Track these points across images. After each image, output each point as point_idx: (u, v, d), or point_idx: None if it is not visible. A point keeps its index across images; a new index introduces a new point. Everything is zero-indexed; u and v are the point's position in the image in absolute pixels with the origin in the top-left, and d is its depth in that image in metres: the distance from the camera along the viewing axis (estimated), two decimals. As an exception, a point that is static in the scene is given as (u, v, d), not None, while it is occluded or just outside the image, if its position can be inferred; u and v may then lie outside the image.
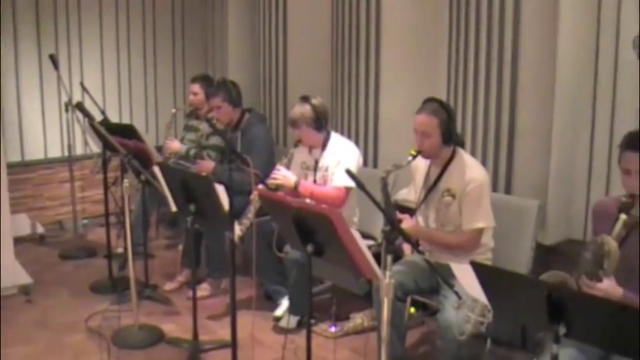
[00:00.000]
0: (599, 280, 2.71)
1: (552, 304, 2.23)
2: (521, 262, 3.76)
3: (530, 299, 2.31)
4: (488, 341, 3.59)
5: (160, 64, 7.00)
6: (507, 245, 3.78)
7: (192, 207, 3.73)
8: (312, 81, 5.66)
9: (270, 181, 4.32)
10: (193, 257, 4.44)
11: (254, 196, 4.24)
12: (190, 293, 4.03)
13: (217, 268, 5.01)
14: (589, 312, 2.22)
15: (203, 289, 4.99)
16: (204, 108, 5.50)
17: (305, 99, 4.35)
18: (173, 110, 5.94)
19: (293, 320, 4.40)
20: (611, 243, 2.65)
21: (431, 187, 3.72)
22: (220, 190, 3.54)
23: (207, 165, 5.06)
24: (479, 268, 2.42)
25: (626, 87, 3.64)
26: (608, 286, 2.70)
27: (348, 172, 2.83)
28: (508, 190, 4.17)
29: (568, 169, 4.03)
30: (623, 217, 2.70)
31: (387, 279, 2.68)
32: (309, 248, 2.96)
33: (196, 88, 5.62)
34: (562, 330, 2.25)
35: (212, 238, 4.91)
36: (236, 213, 4.05)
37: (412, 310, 4.08)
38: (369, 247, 2.98)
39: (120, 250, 5.60)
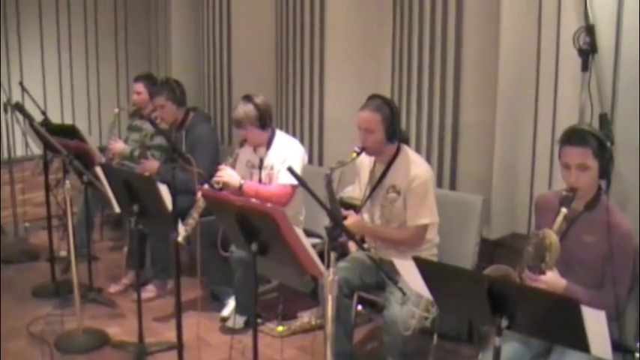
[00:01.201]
0: (542, 272, 2.75)
1: (494, 297, 2.25)
2: (466, 257, 3.80)
3: (472, 293, 2.33)
4: (435, 336, 3.63)
5: (103, 63, 6.91)
6: (452, 240, 3.81)
7: (135, 207, 3.69)
8: (257, 79, 5.65)
9: (215, 179, 4.28)
10: (137, 259, 4.38)
11: (199, 196, 4.21)
12: (135, 295, 3.98)
13: (162, 269, 4.96)
14: (530, 304, 2.25)
15: (148, 291, 4.93)
16: (147, 107, 5.44)
17: (248, 98, 4.33)
18: (116, 110, 5.86)
19: (240, 320, 4.38)
20: (552, 236, 2.69)
21: (376, 183, 3.74)
22: (163, 189, 3.50)
23: (152, 165, 4.99)
24: (421, 264, 2.44)
25: (568, 82, 3.71)
26: (551, 278, 2.75)
27: (290, 169, 2.83)
28: (453, 186, 4.22)
29: (511, 163, 4.10)
30: (563, 210, 2.74)
31: (330, 276, 2.68)
32: (254, 247, 2.94)
33: (140, 87, 5.56)
34: (504, 323, 2.28)
35: (156, 239, 4.86)
36: (181, 213, 4.01)
37: (359, 308, 4.12)
38: (314, 246, 2.98)
39: (63, 253, 5.49)
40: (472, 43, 4.06)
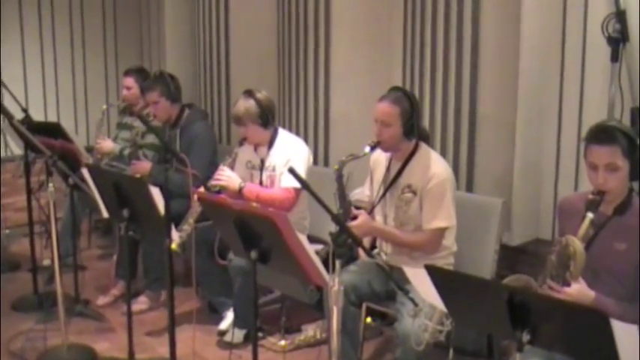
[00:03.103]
0: (567, 283, 2.73)
1: (514, 309, 2.24)
2: (484, 266, 3.78)
3: (490, 304, 2.32)
4: (451, 351, 3.62)
5: (90, 55, 6.92)
6: (469, 247, 3.79)
7: (125, 212, 3.68)
8: (257, 73, 5.65)
9: (212, 183, 4.28)
10: (128, 268, 4.38)
11: (194, 199, 4.21)
12: (126, 307, 3.97)
13: (156, 279, 4.95)
14: (554, 317, 2.23)
15: (140, 303, 4.93)
16: (139, 104, 5.45)
17: (249, 93, 4.32)
18: (105, 107, 5.85)
19: (239, 334, 4.37)
20: (576, 244, 2.67)
21: (390, 182, 3.73)
22: (156, 192, 3.50)
23: (144, 166, 4.99)
24: (433, 272, 2.43)
25: (596, 73, 3.70)
26: (577, 290, 2.72)
27: (292, 170, 2.82)
28: (470, 188, 4.20)
29: (534, 162, 4.09)
30: (589, 216, 2.72)
31: (335, 285, 2.67)
32: (253, 255, 2.95)
33: (130, 81, 5.56)
34: (526, 337, 2.26)
35: (149, 246, 4.86)
36: (176, 218, 4.02)
37: (369, 320, 4.10)
38: (318, 252, 2.97)
39: (46, 262, 5.49)
40: (490, 32, 4.04)
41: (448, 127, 4.24)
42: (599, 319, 2.09)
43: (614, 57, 3.46)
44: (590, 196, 2.79)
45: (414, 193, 3.63)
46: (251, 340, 3.26)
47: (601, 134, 2.81)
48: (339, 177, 3.57)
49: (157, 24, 6.76)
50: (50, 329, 4.41)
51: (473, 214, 3.86)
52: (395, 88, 3.71)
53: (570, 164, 3.92)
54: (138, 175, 4.60)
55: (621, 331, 2.07)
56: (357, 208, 3.83)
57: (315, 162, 4.94)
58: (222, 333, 4.49)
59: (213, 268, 4.41)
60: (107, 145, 5.45)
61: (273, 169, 4.34)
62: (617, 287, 2.84)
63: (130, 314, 3.89)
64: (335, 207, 3.52)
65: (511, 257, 4.02)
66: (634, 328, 2.06)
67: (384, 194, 3.76)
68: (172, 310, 3.58)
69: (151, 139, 5.26)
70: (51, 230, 4.22)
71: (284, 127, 4.94)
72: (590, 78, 3.76)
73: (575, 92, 3.86)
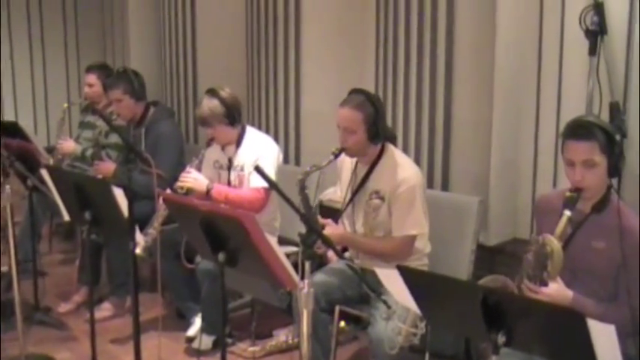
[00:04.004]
0: (544, 283, 2.75)
1: (489, 310, 2.25)
2: (461, 266, 3.80)
3: (464, 306, 2.33)
4: (427, 355, 3.63)
5: (50, 51, 6.86)
6: (445, 248, 3.81)
7: (88, 215, 3.65)
8: (225, 70, 5.65)
9: (179, 184, 4.27)
10: (91, 273, 4.36)
11: (160, 201, 4.19)
12: (88, 315, 3.94)
13: (120, 285, 4.93)
14: (529, 318, 2.25)
15: (104, 310, 4.91)
16: (102, 102, 5.43)
17: (212, 92, 4.31)
18: (66, 105, 5.82)
19: (207, 340, 4.37)
20: (553, 243, 2.69)
21: (357, 187, 3.73)
22: (119, 194, 3.48)
23: (107, 167, 4.98)
24: (406, 273, 2.44)
25: (574, 68, 3.71)
26: (555, 290, 2.75)
27: (258, 169, 2.82)
28: (445, 187, 4.23)
29: (511, 160, 4.11)
30: (567, 213, 2.74)
31: (305, 288, 2.68)
32: (221, 257, 2.94)
33: (92, 79, 5.53)
34: (501, 339, 2.27)
35: (113, 250, 4.84)
36: (142, 221, 4.00)
37: (342, 324, 4.11)
38: (289, 255, 2.97)
39: (4, 268, 5.43)
40: (465, 28, 4.07)
41: (423, 126, 4.25)
42: (576, 320, 2.11)
43: (592, 50, 3.46)
44: (568, 194, 2.81)
45: (382, 199, 3.63)
46: (220, 346, 3.26)
47: (578, 130, 2.82)
48: (302, 189, 3.57)
49: (121, 18, 6.73)
50: (7, 339, 4.36)
51: (449, 213, 3.88)
52: (356, 91, 3.68)
53: (548, 161, 3.94)
54: (100, 176, 4.57)
55: (598, 331, 2.09)
56: (331, 208, 3.84)
57: (286, 161, 4.95)
58: (190, 339, 4.49)
59: (180, 272, 4.40)
60: (69, 145, 5.42)
61: (242, 169, 4.33)
62: (597, 287, 2.87)
63: (92, 322, 3.84)
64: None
65: (488, 257, 4.04)
66: (611, 328, 2.08)
67: (351, 199, 3.76)
68: (137, 317, 3.56)
69: (114, 138, 5.23)
70: (8, 235, 4.18)
71: (253, 125, 4.95)
72: (568, 73, 3.77)
73: (553, 88, 3.88)
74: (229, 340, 4.41)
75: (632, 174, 3.41)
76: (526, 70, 4.01)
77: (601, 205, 2.89)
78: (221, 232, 2.92)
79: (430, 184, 4.20)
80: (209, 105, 4.27)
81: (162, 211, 4.17)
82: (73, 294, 5.11)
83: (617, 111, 3.47)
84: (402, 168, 3.62)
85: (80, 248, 5.13)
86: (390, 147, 3.73)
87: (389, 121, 4.28)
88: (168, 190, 4.16)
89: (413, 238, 3.60)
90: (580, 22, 3.49)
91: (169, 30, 6.10)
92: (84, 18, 7.02)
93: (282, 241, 4.13)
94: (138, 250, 3.85)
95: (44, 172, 3.93)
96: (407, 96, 4.30)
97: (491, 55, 3.98)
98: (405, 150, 4.21)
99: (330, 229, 3.62)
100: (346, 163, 3.83)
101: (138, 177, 4.18)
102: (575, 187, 2.81)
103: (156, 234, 4.17)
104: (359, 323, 4.27)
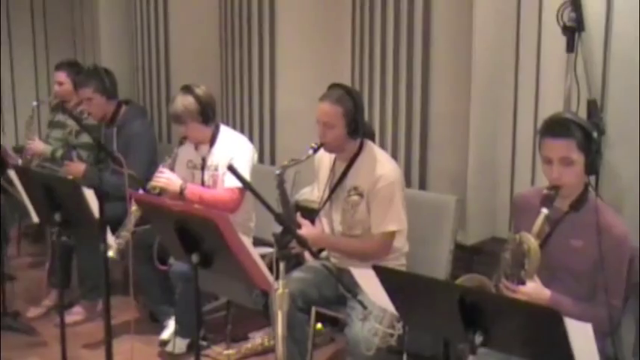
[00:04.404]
0: (522, 282, 2.78)
1: (466, 310, 2.27)
2: (439, 266, 3.83)
3: (441, 306, 2.34)
4: (405, 356, 3.66)
5: (17, 48, 6.80)
6: (423, 247, 3.83)
7: (57, 216, 3.64)
8: (198, 67, 5.64)
9: (151, 184, 4.26)
10: (61, 276, 4.34)
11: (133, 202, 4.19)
12: (59, 319, 3.93)
13: (92, 288, 4.91)
14: (506, 317, 2.27)
15: (75, 314, 4.89)
16: (72, 100, 5.39)
17: (187, 89, 4.31)
18: (35, 103, 5.79)
19: (181, 344, 4.37)
20: (530, 241, 2.72)
21: (336, 184, 3.75)
22: (90, 195, 3.47)
23: (78, 167, 4.96)
24: (381, 273, 2.45)
25: (551, 65, 3.74)
26: (532, 289, 2.78)
27: (231, 168, 2.84)
28: (423, 186, 4.25)
29: (489, 158, 4.14)
30: (544, 211, 2.77)
31: (280, 289, 2.69)
32: (195, 258, 2.95)
33: (62, 76, 5.50)
34: (478, 339, 2.29)
35: (84, 253, 4.82)
36: (115, 222, 3.99)
37: (319, 326, 4.13)
38: (264, 256, 2.99)
39: (-29, 273, 5.42)
40: (442, 24, 4.09)
41: (400, 123, 4.27)
42: (553, 319, 2.13)
43: (570, 47, 3.49)
44: (545, 191, 2.83)
45: (361, 195, 3.65)
46: (194, 350, 3.26)
47: (555, 127, 2.86)
48: (281, 183, 3.58)
49: (91, 14, 6.70)
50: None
51: (426, 212, 3.91)
52: (335, 86, 3.71)
53: (527, 159, 3.96)
54: (70, 177, 4.55)
55: (575, 330, 2.11)
56: (307, 208, 3.85)
57: (261, 160, 4.95)
58: (164, 343, 4.47)
59: (153, 274, 4.40)
60: (38, 145, 5.39)
61: (216, 169, 4.33)
62: (575, 286, 2.91)
63: (63, 326, 3.83)
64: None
65: (466, 257, 4.06)
66: (588, 327, 2.10)
67: (329, 197, 3.78)
68: (109, 321, 3.55)
69: (85, 138, 5.21)
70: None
71: (227, 124, 4.95)
72: (546, 69, 3.80)
73: (531, 85, 3.91)
74: (204, 344, 4.40)
75: (610, 172, 3.44)
76: (503, 66, 4.04)
77: (579, 203, 2.92)
78: (194, 233, 2.93)
79: (407, 183, 4.21)
80: (183, 102, 4.26)
81: (134, 212, 4.18)
82: (43, 298, 5.08)
83: (594, 108, 3.50)
84: (381, 164, 3.65)
85: (50, 251, 5.10)
86: (369, 143, 3.76)
87: (365, 119, 4.29)
88: (141, 191, 4.15)
89: (392, 234, 3.63)
90: (557, 19, 3.51)
91: (141, 26, 6.08)
92: (53, 14, 6.98)
93: (258, 242, 4.15)
94: (111, 253, 3.87)
95: (12, 173, 3.92)
96: (383, 93, 4.32)
97: (468, 51, 4.00)
98: (382, 148, 4.21)
99: (307, 229, 3.63)
100: (324, 161, 3.85)
101: (109, 177, 4.16)
102: (553, 184, 2.84)
103: (129, 236, 4.17)
104: (336, 324, 4.29)
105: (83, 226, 3.63)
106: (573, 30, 3.49)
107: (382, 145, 4.23)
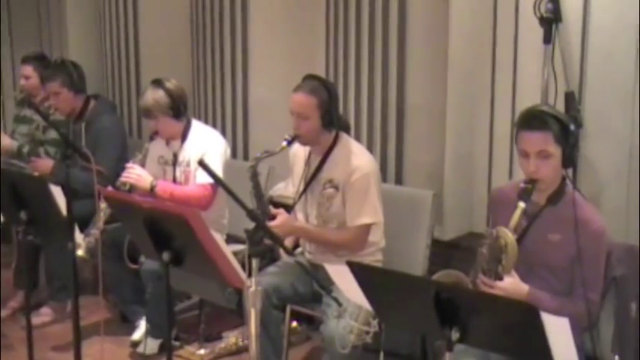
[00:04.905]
0: (500, 277, 2.80)
1: (442, 306, 2.29)
2: (415, 262, 3.85)
3: (417, 302, 2.36)
4: (382, 355, 3.67)
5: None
6: (400, 243, 3.85)
7: (24, 214, 3.62)
8: (169, 60, 5.63)
9: (122, 181, 4.25)
10: (28, 276, 4.32)
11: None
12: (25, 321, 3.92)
13: (60, 288, 4.90)
14: (483, 313, 2.29)
15: (43, 315, 4.88)
16: (39, 95, 5.36)
17: (157, 83, 4.30)
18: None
19: (153, 344, 4.36)
20: (507, 236, 2.74)
21: (311, 177, 3.77)
22: (57, 192, 3.46)
23: (45, 164, 4.93)
24: (356, 269, 2.46)
25: (528, 57, 3.76)
26: (510, 284, 2.81)
27: (201, 163, 2.84)
28: (399, 180, 4.27)
29: (466, 152, 4.16)
30: (521, 205, 2.79)
31: (253, 286, 2.70)
32: (166, 256, 2.95)
33: (29, 70, 5.45)
34: (455, 335, 2.31)
35: (52, 252, 4.79)
36: (84, 220, 3.98)
37: (294, 324, 4.14)
38: (236, 254, 2.99)
39: None
40: (418, 15, 4.11)
41: (375, 117, 4.29)
42: (529, 314, 2.15)
43: (547, 39, 3.52)
44: (522, 185, 2.85)
45: (336, 188, 3.67)
46: (166, 350, 3.26)
47: (532, 120, 2.88)
48: (254, 175, 3.59)
49: (57, 5, 6.65)
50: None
51: (402, 207, 3.92)
52: (310, 77, 3.72)
53: (504, 153, 3.97)
54: (37, 174, 4.53)
55: (552, 325, 2.14)
56: (281, 204, 3.86)
57: (234, 155, 4.95)
58: (135, 344, 4.47)
59: (124, 273, 4.38)
60: (4, 141, 5.36)
61: (188, 164, 4.32)
62: (553, 280, 2.94)
63: (29, 328, 3.81)
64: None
65: (444, 252, 4.08)
66: (565, 321, 2.13)
67: (304, 190, 3.79)
68: (77, 322, 3.54)
69: (52, 134, 5.19)
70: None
71: (199, 118, 4.95)
72: (523, 61, 3.81)
73: (508, 77, 3.92)
74: (176, 344, 4.41)
75: (588, 165, 3.48)
76: (480, 58, 4.06)
77: (556, 197, 2.95)
78: (165, 230, 2.93)
79: (384, 177, 4.22)
80: (154, 96, 4.25)
81: (104, 209, 4.17)
82: (9, 299, 5.05)
83: (572, 100, 3.52)
84: (356, 156, 3.67)
85: (16, 250, 5.07)
86: (344, 136, 3.77)
87: (340, 112, 4.31)
88: (111, 188, 4.14)
89: (368, 227, 3.64)
90: (535, 10, 3.53)
91: (110, 18, 6.04)
92: (17, 4, 6.92)
93: (231, 239, 4.16)
94: (80, 252, 3.86)
95: (-25, 170, 3.90)
96: (358, 88, 4.33)
97: (444, 43, 4.03)
98: (357, 142, 4.23)
99: (282, 218, 3.64)
100: (299, 155, 3.86)
101: (77, 174, 4.15)
102: (530, 178, 2.86)
103: (99, 234, 4.15)
104: (312, 322, 4.30)
105: (50, 224, 3.62)
106: (551, 21, 3.51)
107: (358, 140, 4.23)
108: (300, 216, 3.83)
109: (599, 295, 2.91)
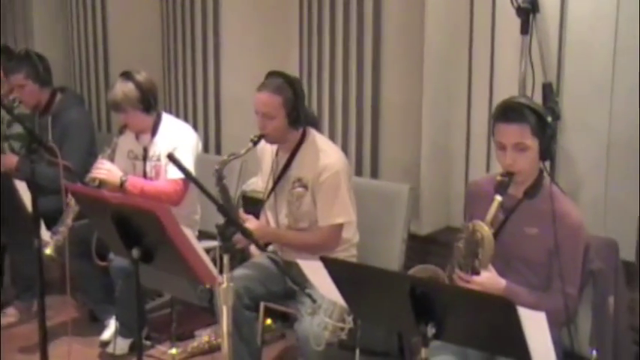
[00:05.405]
0: (476, 272, 2.82)
1: (417, 301, 2.29)
2: (392, 257, 3.86)
3: (391, 297, 2.37)
4: (357, 352, 3.69)
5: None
6: (375, 238, 3.87)
7: (-13, 213, 3.62)
8: (139, 52, 5.61)
9: (90, 177, 4.23)
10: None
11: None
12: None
13: (27, 288, 4.88)
14: (458, 308, 2.30)
15: (9, 315, 4.86)
16: (3, 87, 5.32)
17: (127, 75, 4.28)
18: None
19: (123, 344, 4.35)
20: (484, 229, 2.76)
21: (279, 176, 3.77)
22: (22, 188, 3.45)
23: (9, 159, 4.89)
24: (329, 264, 2.47)
25: (505, 48, 3.78)
26: (487, 279, 2.82)
27: (170, 157, 2.83)
28: (375, 174, 4.29)
29: (442, 146, 4.18)
30: (498, 198, 2.81)
31: (224, 283, 2.70)
32: (135, 253, 2.94)
33: (-8, 63, 5.44)
34: (430, 331, 2.31)
35: (17, 250, 4.77)
36: (51, 217, 3.96)
37: (269, 321, 4.14)
38: (208, 251, 2.99)
39: None
40: (393, 9, 4.12)
41: (350, 111, 4.30)
42: (505, 308, 2.16)
43: (524, 29, 3.53)
44: (499, 178, 2.87)
45: (305, 187, 3.67)
46: (137, 350, 3.26)
47: (509, 112, 2.89)
48: (220, 179, 3.59)
49: (22, -4, 6.62)
50: None
51: (378, 202, 3.93)
52: (273, 74, 3.71)
53: (481, 147, 4.00)
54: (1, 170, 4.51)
55: (529, 319, 2.15)
56: (255, 199, 3.85)
57: (206, 149, 4.96)
58: (105, 344, 4.46)
59: (92, 271, 4.37)
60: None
61: (158, 159, 4.31)
62: (530, 275, 2.96)
63: (-5, 329, 3.83)
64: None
65: (421, 247, 4.11)
66: (541, 315, 2.14)
67: (273, 189, 3.80)
68: (44, 322, 3.52)
69: (17, 128, 5.17)
70: None
71: (170, 111, 4.94)
72: (500, 53, 3.83)
73: (485, 68, 3.94)
74: (147, 343, 4.41)
75: (566, 157, 3.51)
76: (457, 50, 4.08)
77: (533, 190, 2.96)
78: (135, 226, 2.92)
79: (359, 171, 4.25)
80: (123, 89, 4.24)
81: (73, 206, 4.15)
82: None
83: (550, 92, 3.54)
84: (325, 154, 3.67)
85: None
86: (312, 131, 3.77)
87: (314, 107, 4.32)
88: (80, 184, 4.12)
89: (340, 227, 3.65)
90: (512, 0, 3.56)
91: (77, 9, 6.01)
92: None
93: (204, 235, 4.15)
94: (48, 251, 3.84)
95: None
96: (333, 79, 4.34)
97: (420, 34, 4.04)
98: (332, 136, 4.26)
99: (251, 224, 3.63)
100: (267, 151, 3.86)
101: (44, 169, 4.11)
102: (506, 171, 2.88)
103: (67, 231, 4.14)
104: (286, 320, 4.31)
105: (15, 221, 3.61)
106: (528, 11, 3.53)
107: (332, 135, 4.26)
108: (270, 215, 3.83)
109: (576, 289, 2.92)
